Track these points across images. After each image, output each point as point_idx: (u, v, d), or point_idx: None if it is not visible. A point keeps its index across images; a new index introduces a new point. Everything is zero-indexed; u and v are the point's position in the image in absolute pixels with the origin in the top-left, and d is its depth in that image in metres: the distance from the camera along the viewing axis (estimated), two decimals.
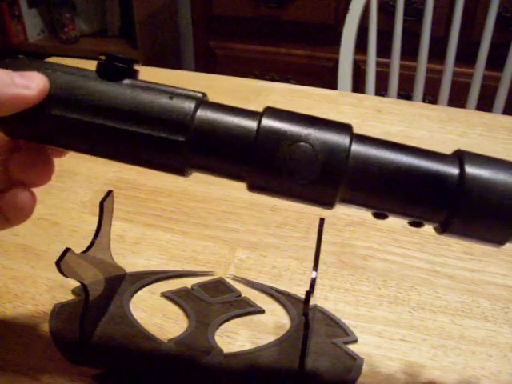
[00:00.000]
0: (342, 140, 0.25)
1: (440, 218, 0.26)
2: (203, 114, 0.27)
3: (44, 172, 0.30)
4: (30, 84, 0.26)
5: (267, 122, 0.26)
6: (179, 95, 0.27)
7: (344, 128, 0.26)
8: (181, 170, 0.28)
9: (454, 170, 0.26)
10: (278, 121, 0.26)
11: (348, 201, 0.27)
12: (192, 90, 0.28)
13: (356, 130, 0.27)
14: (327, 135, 0.26)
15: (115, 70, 0.27)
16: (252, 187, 0.27)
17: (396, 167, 0.26)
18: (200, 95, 0.28)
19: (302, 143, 0.25)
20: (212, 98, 0.30)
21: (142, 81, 0.28)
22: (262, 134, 0.26)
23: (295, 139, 0.26)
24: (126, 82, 0.28)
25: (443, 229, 0.27)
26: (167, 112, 0.27)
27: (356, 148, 0.26)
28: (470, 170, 0.25)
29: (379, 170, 0.26)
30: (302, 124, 0.26)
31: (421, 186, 0.26)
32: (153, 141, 0.27)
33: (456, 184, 0.25)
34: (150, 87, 0.28)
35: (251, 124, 0.26)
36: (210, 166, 0.27)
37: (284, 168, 0.26)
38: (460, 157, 0.26)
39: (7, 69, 0.27)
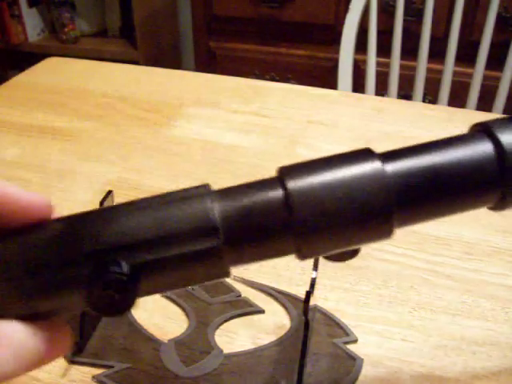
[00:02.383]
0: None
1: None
2: (220, 206, 0.23)
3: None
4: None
5: (293, 185, 0.23)
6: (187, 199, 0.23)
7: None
8: (226, 273, 0.23)
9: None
10: (302, 178, 0.23)
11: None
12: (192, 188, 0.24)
13: (356, 130, 0.27)
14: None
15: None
16: (303, 255, 0.24)
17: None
18: (205, 188, 0.24)
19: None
20: (212, 97, 0.29)
21: None
22: (295, 198, 0.22)
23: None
24: None
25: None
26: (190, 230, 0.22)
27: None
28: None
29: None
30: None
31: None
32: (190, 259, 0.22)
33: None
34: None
35: (276, 193, 0.23)
36: (254, 255, 0.24)
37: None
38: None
39: None
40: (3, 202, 0.22)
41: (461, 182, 0.23)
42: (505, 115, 0.26)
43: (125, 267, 0.21)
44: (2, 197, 0.22)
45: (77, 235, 0.22)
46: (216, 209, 0.22)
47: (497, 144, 0.24)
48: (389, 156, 0.24)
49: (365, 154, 0.24)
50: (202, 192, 0.23)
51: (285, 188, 0.23)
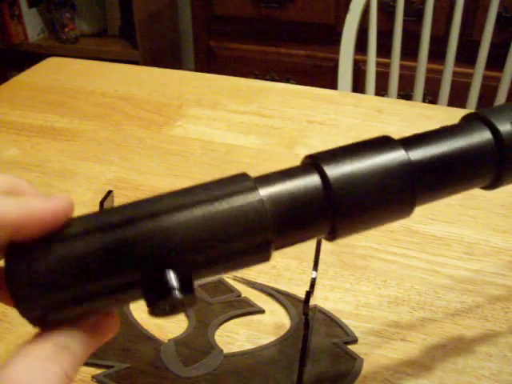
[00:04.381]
0: None
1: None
2: (267, 196, 0.23)
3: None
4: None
5: (331, 172, 0.24)
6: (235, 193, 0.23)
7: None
8: (267, 258, 0.25)
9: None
10: (338, 165, 0.24)
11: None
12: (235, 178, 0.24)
13: (356, 130, 0.27)
14: None
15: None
16: (335, 236, 0.25)
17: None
18: (249, 180, 0.24)
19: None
20: (212, 97, 0.29)
21: None
22: (334, 183, 0.24)
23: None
24: None
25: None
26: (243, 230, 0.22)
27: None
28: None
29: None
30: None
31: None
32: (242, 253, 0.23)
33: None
34: None
35: (314, 179, 0.24)
36: (294, 239, 0.25)
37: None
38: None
39: None
40: (28, 223, 0.21)
41: (464, 167, 0.27)
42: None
43: (176, 282, 0.21)
44: (27, 220, 0.21)
45: (126, 241, 0.21)
46: (265, 202, 0.23)
47: (495, 131, 0.27)
48: (408, 143, 0.27)
49: (387, 142, 0.27)
50: (248, 186, 0.23)
51: (323, 175, 0.24)
